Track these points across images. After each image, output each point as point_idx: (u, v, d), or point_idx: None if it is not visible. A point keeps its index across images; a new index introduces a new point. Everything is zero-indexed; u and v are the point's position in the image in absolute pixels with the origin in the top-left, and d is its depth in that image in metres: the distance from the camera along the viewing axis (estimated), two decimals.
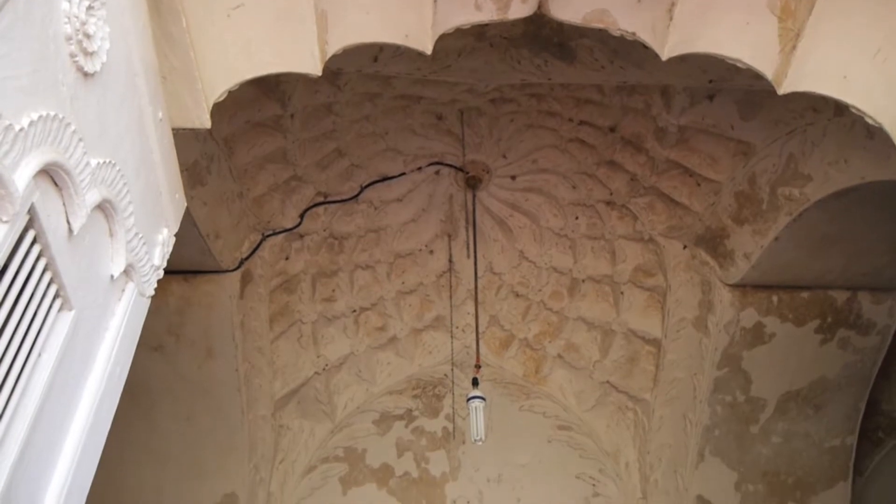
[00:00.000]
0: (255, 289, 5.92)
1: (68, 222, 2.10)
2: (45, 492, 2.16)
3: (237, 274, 5.59)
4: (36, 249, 1.95)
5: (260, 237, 5.82)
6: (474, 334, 6.34)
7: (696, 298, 6.00)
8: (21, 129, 1.72)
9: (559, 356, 7.01)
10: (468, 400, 5.53)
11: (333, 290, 6.65)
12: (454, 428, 6.89)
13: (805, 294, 5.63)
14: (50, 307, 2.07)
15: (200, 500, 6.13)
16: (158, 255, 2.85)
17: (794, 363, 5.87)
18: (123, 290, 2.61)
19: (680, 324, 6.15)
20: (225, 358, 5.77)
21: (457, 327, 7.07)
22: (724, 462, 6.21)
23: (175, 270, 5.31)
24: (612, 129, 5.78)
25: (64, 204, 2.07)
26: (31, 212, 1.87)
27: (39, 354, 2.04)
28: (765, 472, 6.23)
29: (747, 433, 6.14)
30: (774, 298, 5.62)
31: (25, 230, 1.87)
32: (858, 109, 3.16)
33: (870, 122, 3.16)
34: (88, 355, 2.38)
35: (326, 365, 6.77)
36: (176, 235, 3.19)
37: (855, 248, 5.14)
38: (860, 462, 6.40)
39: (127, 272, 2.58)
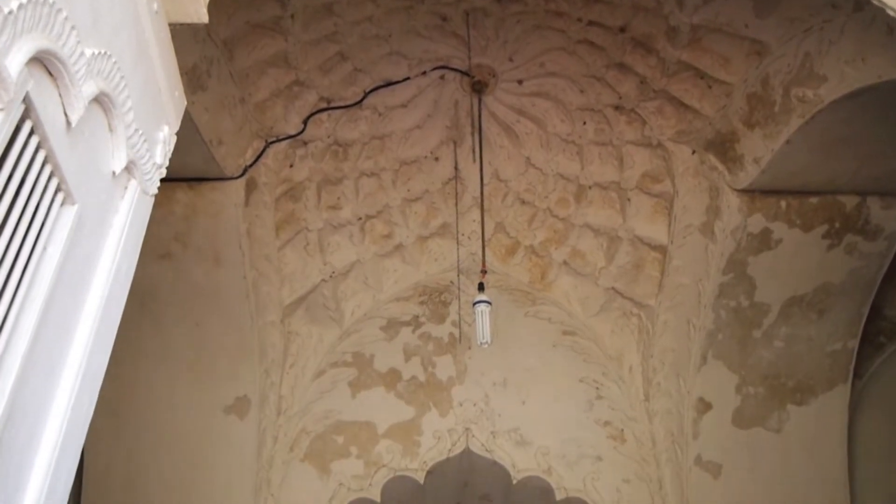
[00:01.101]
0: (260, 196, 5.90)
1: (66, 114, 2.06)
2: (55, 387, 2.19)
3: (242, 181, 5.56)
4: (34, 141, 1.92)
5: (263, 144, 5.75)
6: (480, 241, 6.34)
7: (703, 204, 5.95)
8: (10, 12, 1.66)
9: (565, 263, 7.02)
10: (474, 304, 5.57)
11: (339, 198, 6.63)
12: (460, 334, 6.98)
13: (814, 199, 5.57)
14: (52, 200, 2.06)
15: (214, 403, 6.28)
16: (160, 152, 2.81)
17: (800, 269, 5.86)
18: (126, 188, 2.59)
19: (686, 230, 6.13)
20: (232, 265, 5.81)
21: (462, 234, 7.07)
22: (725, 365, 6.29)
23: (180, 178, 5.30)
24: (622, 30, 5.60)
25: (60, 95, 2.03)
26: (27, 101, 1.83)
27: (45, 248, 2.04)
28: (766, 376, 6.32)
29: (750, 337, 6.20)
30: (783, 203, 5.57)
31: (22, 120, 1.84)
32: (880, 1, 3.05)
33: (891, 14, 3.06)
34: (94, 251, 2.38)
35: (333, 272, 6.82)
36: (178, 141, 3.13)
37: (867, 151, 5.05)
38: (860, 365, 6.48)
39: (129, 169, 2.55)
